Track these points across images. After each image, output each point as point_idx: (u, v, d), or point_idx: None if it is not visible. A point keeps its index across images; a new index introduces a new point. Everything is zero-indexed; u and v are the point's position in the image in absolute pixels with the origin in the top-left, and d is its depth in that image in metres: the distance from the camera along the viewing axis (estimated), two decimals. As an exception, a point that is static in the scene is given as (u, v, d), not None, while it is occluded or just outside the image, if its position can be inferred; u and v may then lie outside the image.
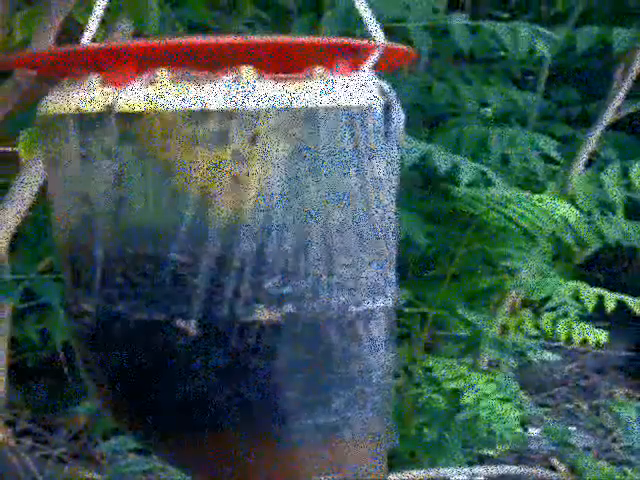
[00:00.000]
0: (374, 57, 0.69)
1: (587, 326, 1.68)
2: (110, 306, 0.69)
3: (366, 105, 0.68)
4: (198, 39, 0.67)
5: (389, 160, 0.72)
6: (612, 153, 1.86)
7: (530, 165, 1.66)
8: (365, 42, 0.69)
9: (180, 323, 0.67)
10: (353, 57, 0.69)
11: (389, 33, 0.74)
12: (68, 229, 0.72)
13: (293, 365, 0.68)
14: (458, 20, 1.46)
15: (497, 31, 1.45)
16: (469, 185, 1.51)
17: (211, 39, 0.66)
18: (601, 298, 1.64)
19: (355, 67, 0.70)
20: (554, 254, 1.82)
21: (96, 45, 0.68)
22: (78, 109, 0.67)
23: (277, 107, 0.65)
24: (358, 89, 0.68)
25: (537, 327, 1.76)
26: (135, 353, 0.69)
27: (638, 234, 1.76)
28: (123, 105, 0.65)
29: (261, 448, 0.69)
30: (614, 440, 1.92)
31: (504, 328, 1.74)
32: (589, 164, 1.82)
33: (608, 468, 1.49)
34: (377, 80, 0.71)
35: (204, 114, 0.64)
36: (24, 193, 1.36)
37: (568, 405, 2.04)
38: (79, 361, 0.76)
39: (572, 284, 1.67)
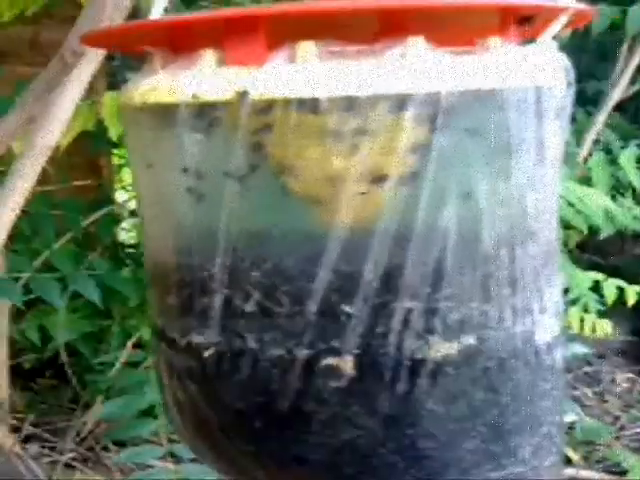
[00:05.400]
0: (559, 23, 0.53)
1: (594, 317, 1.55)
2: (236, 339, 0.52)
3: (551, 84, 0.52)
4: (350, 3, 0.50)
5: (562, 149, 0.57)
6: (610, 135, 1.74)
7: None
8: (551, 4, 0.53)
9: (332, 361, 0.51)
10: (531, 24, 0.53)
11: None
12: (173, 243, 0.55)
13: (475, 408, 0.51)
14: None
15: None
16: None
17: (368, 3, 0.50)
18: (621, 290, 1.53)
19: (533, 36, 0.54)
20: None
21: (213, 14, 0.51)
22: (195, 96, 0.50)
23: (455, 89, 0.48)
24: (544, 64, 0.52)
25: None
26: (268, 396, 0.52)
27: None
28: (259, 90, 0.48)
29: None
30: (622, 428, 1.80)
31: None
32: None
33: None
34: (558, 52, 0.55)
35: (367, 100, 0.48)
36: (19, 186, 1.18)
37: (575, 392, 1.91)
38: (172, 398, 0.59)
39: (590, 275, 1.54)
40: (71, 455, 1.51)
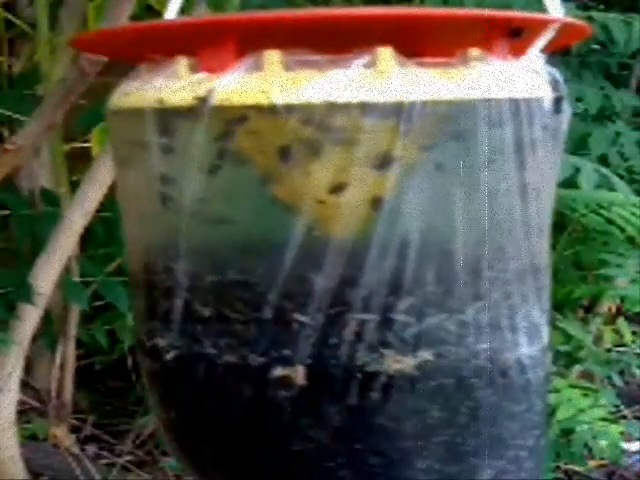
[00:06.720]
0: (547, 37, 0.52)
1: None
2: (193, 344, 0.52)
3: (534, 97, 0.51)
4: (317, 12, 0.50)
5: (553, 165, 0.55)
6: None
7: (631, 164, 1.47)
8: (538, 17, 0.52)
9: (283, 370, 0.51)
10: (517, 36, 0.52)
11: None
12: (142, 245, 0.56)
13: (429, 427, 0.50)
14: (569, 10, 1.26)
15: (609, 23, 1.24)
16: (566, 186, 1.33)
17: (335, 12, 0.50)
18: None
19: (520, 49, 0.53)
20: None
21: (184, 20, 0.52)
22: (161, 101, 0.51)
23: (424, 100, 0.48)
24: (525, 77, 0.51)
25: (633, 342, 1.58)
26: (223, 402, 0.52)
27: None
28: (220, 97, 0.49)
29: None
30: None
31: (598, 339, 1.56)
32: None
33: None
34: (546, 66, 0.54)
35: (328, 109, 0.47)
36: (91, 191, 1.22)
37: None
38: (151, 399, 0.61)
39: None
40: (128, 458, 1.54)
